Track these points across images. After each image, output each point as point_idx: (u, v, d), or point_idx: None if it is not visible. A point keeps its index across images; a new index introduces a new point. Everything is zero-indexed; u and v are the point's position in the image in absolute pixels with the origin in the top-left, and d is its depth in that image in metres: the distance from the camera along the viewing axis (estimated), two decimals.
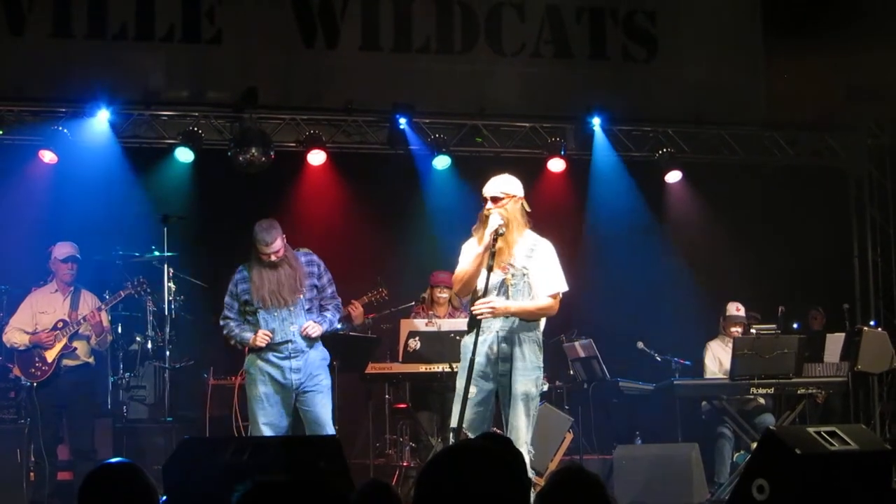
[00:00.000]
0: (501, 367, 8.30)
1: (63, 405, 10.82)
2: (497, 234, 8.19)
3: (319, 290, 9.79)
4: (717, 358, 12.27)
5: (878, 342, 11.88)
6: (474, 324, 8.21)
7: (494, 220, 8.25)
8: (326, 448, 6.66)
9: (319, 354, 9.79)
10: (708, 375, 12.23)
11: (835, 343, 12.39)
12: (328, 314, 9.80)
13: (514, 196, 8.48)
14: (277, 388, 9.59)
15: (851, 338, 11.98)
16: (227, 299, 9.77)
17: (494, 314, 8.23)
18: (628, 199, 14.49)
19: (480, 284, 8.30)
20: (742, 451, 11.78)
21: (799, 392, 11.40)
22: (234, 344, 9.89)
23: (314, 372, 9.68)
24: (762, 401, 12.09)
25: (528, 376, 8.36)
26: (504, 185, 8.48)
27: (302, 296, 9.63)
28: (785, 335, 11.61)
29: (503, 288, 8.31)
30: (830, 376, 11.96)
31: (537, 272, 8.44)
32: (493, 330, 8.28)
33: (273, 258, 9.52)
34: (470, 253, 8.46)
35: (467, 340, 8.33)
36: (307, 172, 13.84)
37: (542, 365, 8.53)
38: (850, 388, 11.91)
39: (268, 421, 9.54)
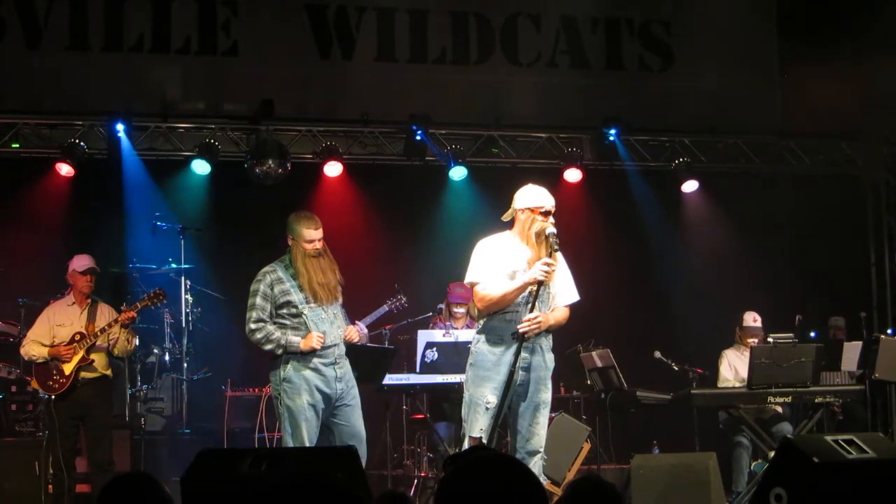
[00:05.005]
0: (521, 376, 8.24)
1: (81, 417, 10.81)
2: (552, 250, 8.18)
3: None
4: (733, 366, 12.24)
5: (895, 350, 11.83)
6: (516, 337, 8.17)
7: (553, 238, 8.21)
8: (344, 458, 6.66)
9: (349, 364, 9.22)
10: (722, 383, 12.21)
11: (852, 351, 12.35)
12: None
13: None
14: (322, 398, 8.90)
15: (869, 346, 11.94)
16: (258, 301, 8.95)
17: (540, 329, 8.23)
18: (645, 208, 14.49)
19: (519, 300, 8.29)
20: (760, 460, 11.74)
21: (816, 401, 11.37)
22: (270, 349, 8.95)
23: (350, 383, 9.10)
24: (779, 409, 12.08)
25: (547, 384, 8.42)
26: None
27: (340, 297, 9.18)
28: (802, 344, 11.57)
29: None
30: (848, 385, 11.93)
31: (559, 284, 8.45)
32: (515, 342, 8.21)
33: (319, 246, 9.00)
34: (505, 263, 8.32)
35: (485, 349, 8.32)
36: (324, 184, 13.84)
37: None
38: (867, 397, 11.86)
39: (310, 434, 8.84)
